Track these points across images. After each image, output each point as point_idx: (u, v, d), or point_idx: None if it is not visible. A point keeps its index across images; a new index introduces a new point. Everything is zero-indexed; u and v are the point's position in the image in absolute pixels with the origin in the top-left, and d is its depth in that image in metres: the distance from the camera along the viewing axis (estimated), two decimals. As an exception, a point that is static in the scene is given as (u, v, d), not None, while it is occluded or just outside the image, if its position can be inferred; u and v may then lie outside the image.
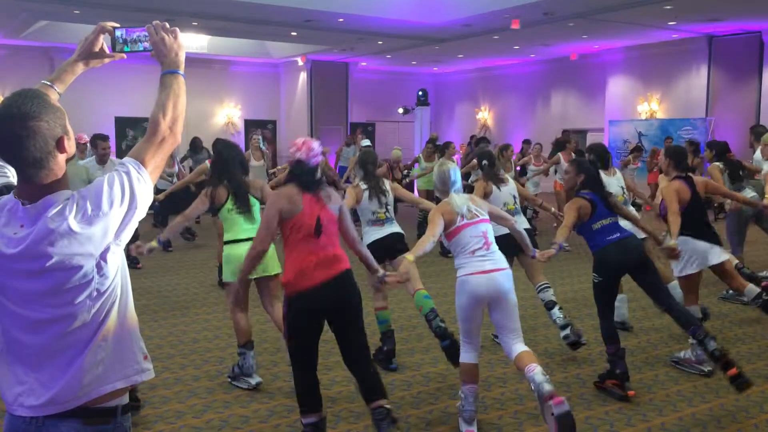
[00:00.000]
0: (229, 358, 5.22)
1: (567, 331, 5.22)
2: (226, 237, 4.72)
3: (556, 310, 5.37)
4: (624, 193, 5.95)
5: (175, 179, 9.96)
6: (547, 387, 3.52)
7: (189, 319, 6.38)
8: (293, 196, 3.51)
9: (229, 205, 4.66)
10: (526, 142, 14.33)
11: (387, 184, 5.24)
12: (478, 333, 3.92)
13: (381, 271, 3.94)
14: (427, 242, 3.86)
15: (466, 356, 3.93)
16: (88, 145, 8.90)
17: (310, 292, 3.43)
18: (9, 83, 15.21)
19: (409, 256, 3.82)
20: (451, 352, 4.60)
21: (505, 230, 4.43)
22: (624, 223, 4.82)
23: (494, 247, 3.93)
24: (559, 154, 10.73)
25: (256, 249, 3.59)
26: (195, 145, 12.26)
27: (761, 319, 6.09)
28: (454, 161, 10.03)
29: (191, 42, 16.21)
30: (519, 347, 3.81)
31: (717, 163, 7.25)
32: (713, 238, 5.07)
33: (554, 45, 16.56)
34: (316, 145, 3.61)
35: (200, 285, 7.83)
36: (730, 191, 6.19)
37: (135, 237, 4.54)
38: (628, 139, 16.48)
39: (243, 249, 4.32)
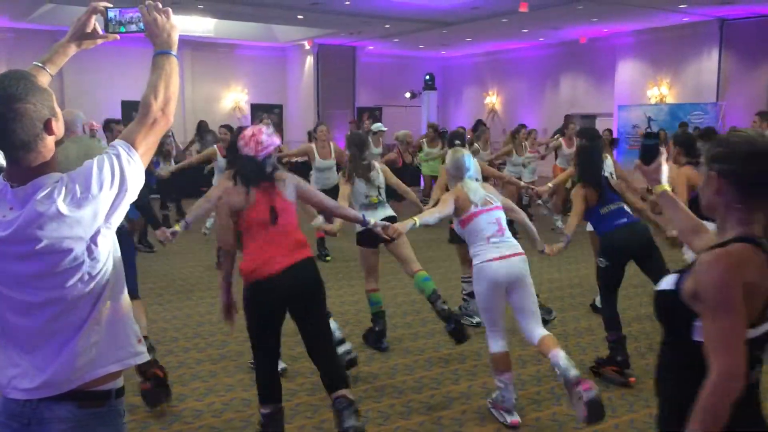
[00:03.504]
0: (232, 341, 5.23)
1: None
2: None
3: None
4: (612, 179, 5.95)
5: (172, 162, 9.91)
6: (573, 372, 3.55)
7: (193, 303, 6.41)
8: (240, 191, 3.45)
9: None
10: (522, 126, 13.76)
11: (377, 167, 5.23)
12: (502, 319, 3.90)
13: (372, 221, 3.88)
14: (434, 214, 3.98)
15: (495, 345, 3.87)
16: (99, 130, 8.95)
17: (268, 281, 3.35)
18: (16, 67, 15.14)
19: (416, 218, 3.88)
20: (457, 333, 4.67)
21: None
22: None
23: (508, 233, 3.96)
24: (560, 139, 10.67)
25: (223, 249, 3.58)
26: (201, 129, 12.24)
27: None
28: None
29: (197, 25, 16.16)
30: (540, 331, 3.85)
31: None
32: None
33: (563, 28, 16.38)
34: (265, 137, 3.48)
35: (205, 268, 7.85)
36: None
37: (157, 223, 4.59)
38: (638, 124, 16.32)
39: None
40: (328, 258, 8.23)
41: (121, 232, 4.51)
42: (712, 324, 1.63)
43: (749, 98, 14.82)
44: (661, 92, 16.57)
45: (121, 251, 1.86)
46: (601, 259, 4.56)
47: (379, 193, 5.12)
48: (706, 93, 15.66)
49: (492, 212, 3.95)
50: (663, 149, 2.16)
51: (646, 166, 2.14)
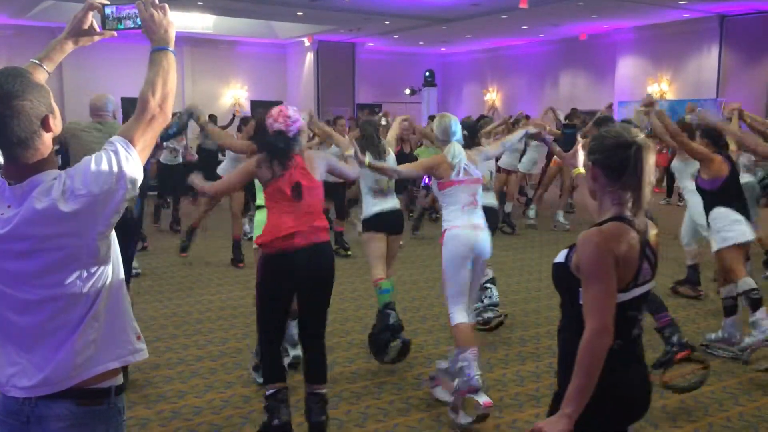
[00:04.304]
0: (232, 338, 5.24)
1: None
2: (261, 201, 4.66)
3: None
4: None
5: (179, 157, 9.91)
6: (480, 382, 3.75)
7: (193, 300, 6.40)
8: (270, 166, 3.49)
9: None
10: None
11: (390, 153, 5.24)
12: (467, 290, 4.01)
13: (366, 160, 4.04)
14: (391, 169, 4.34)
15: (461, 316, 3.91)
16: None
17: (284, 256, 3.43)
18: (15, 64, 15.16)
19: (367, 161, 4.07)
20: (403, 351, 4.58)
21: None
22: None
23: (480, 209, 4.12)
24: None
25: (209, 193, 3.67)
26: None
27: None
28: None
29: (197, 22, 16.13)
30: (468, 316, 4.04)
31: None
32: (747, 215, 4.96)
33: (563, 25, 16.37)
34: (292, 111, 3.55)
35: (205, 265, 7.85)
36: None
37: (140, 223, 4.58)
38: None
39: None
40: (349, 252, 8.30)
41: (127, 223, 4.49)
42: (586, 291, 1.96)
43: (749, 94, 14.80)
44: (662, 88, 16.56)
45: (124, 243, 1.85)
46: None
47: (389, 180, 5.11)
48: (706, 89, 15.65)
49: (471, 185, 4.09)
50: (579, 137, 2.39)
51: (566, 153, 2.49)
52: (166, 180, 10.13)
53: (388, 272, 5.02)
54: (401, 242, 5.31)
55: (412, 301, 6.30)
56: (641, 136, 2.03)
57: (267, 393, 3.54)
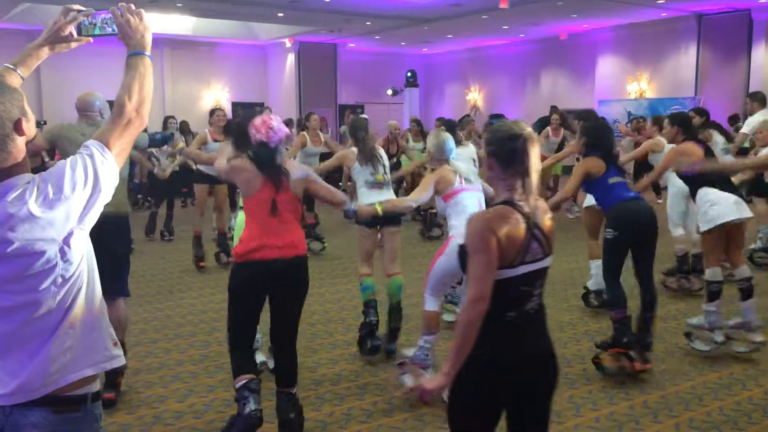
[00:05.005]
0: (214, 342, 5.20)
1: None
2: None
3: None
4: (475, 164, 6.29)
5: (175, 160, 9.83)
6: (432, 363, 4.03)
7: (173, 303, 6.36)
8: (251, 178, 3.47)
9: None
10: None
11: (380, 150, 5.22)
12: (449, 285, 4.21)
13: (353, 207, 3.98)
14: (406, 202, 4.33)
15: (434, 305, 4.13)
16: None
17: (256, 264, 3.43)
18: (-8, 67, 15.00)
19: (379, 207, 4.06)
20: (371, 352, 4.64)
21: None
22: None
23: None
24: (547, 128, 10.82)
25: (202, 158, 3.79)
26: (183, 130, 12.10)
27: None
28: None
29: (176, 24, 16.03)
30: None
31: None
32: (736, 192, 4.91)
33: (543, 24, 16.48)
34: (275, 123, 3.51)
35: (185, 269, 7.80)
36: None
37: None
38: (618, 119, 16.48)
39: None
40: (325, 244, 8.53)
41: (122, 229, 4.33)
42: (469, 264, 2.16)
43: (726, 92, 15.00)
44: (641, 87, 16.73)
45: (118, 248, 1.81)
46: (609, 230, 4.47)
47: (385, 172, 5.08)
48: (684, 87, 15.83)
49: (476, 192, 4.15)
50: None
51: None
52: (157, 187, 10.05)
53: (395, 269, 4.95)
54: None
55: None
56: (528, 130, 2.23)
57: (237, 385, 3.48)
